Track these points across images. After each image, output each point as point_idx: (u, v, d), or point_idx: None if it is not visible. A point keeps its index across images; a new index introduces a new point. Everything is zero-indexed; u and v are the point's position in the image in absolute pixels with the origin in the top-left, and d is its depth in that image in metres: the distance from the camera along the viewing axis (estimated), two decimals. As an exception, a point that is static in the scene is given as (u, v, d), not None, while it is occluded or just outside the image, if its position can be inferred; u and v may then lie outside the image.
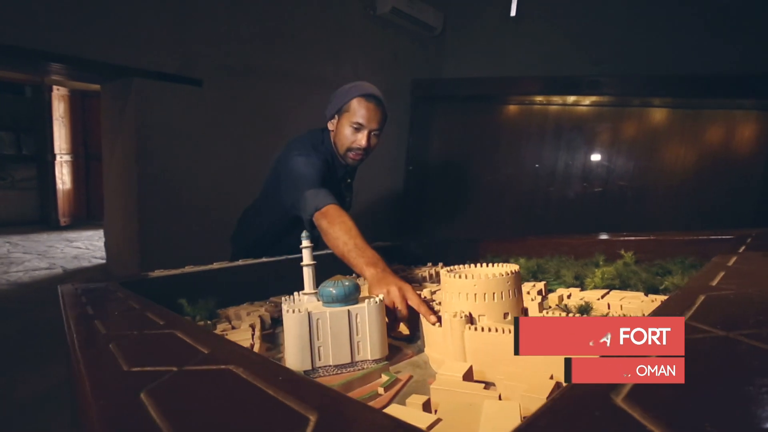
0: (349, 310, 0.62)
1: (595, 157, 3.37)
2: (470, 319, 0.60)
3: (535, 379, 0.49)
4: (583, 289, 0.93)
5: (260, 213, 1.61)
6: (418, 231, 3.91)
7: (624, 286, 0.89)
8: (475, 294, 0.61)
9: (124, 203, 2.80)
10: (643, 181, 3.20)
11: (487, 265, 0.71)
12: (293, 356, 0.60)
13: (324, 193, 1.16)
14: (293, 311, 0.60)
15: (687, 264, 0.95)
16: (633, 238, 1.07)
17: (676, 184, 3.10)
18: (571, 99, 3.36)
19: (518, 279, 0.65)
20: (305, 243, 0.75)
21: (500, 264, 0.72)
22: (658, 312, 0.43)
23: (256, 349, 0.68)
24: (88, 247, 4.41)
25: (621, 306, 0.74)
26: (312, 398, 0.25)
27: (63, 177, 5.47)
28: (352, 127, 1.32)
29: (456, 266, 0.72)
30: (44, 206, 5.56)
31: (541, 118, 3.56)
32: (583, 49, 3.40)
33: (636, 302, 0.75)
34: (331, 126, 1.39)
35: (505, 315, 0.62)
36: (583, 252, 1.10)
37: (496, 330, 0.55)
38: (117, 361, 0.37)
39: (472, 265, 0.72)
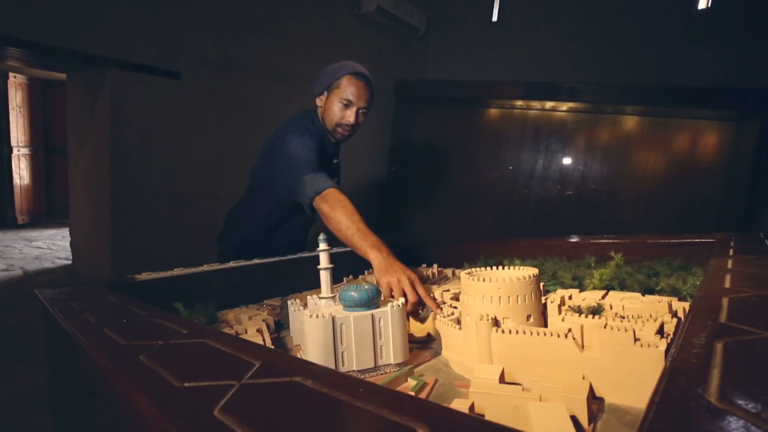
0: (372, 314, 0.62)
1: (572, 162, 3.49)
2: (495, 322, 0.61)
3: (568, 379, 0.49)
4: (582, 290, 0.96)
5: (252, 207, 1.56)
6: (400, 230, 3.92)
7: (621, 287, 0.92)
8: (500, 297, 0.61)
9: (94, 201, 2.65)
10: (616, 185, 3.35)
11: (505, 268, 0.72)
12: (316, 361, 0.59)
13: (323, 177, 1.17)
14: (316, 316, 0.59)
15: (674, 266, 0.99)
16: (621, 241, 1.11)
17: (647, 189, 3.26)
18: (550, 104, 3.47)
19: (538, 282, 0.66)
20: (322, 246, 0.73)
21: (519, 267, 0.73)
22: (694, 314, 0.45)
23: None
24: (50, 246, 4.15)
25: (623, 306, 0.77)
26: (413, 411, 0.24)
27: (20, 171, 5.11)
28: (342, 104, 1.35)
29: (474, 269, 0.72)
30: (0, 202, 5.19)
31: (521, 122, 3.65)
32: (562, 55, 3.51)
33: (636, 302, 0.77)
34: (319, 102, 1.41)
35: (528, 317, 0.62)
36: (574, 254, 1.14)
37: (524, 332, 0.55)
38: (162, 376, 0.34)
39: (490, 268, 0.72)
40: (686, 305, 0.71)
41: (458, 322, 0.70)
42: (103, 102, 2.40)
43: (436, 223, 3.85)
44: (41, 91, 5.26)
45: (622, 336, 0.49)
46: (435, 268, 1.27)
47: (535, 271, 0.66)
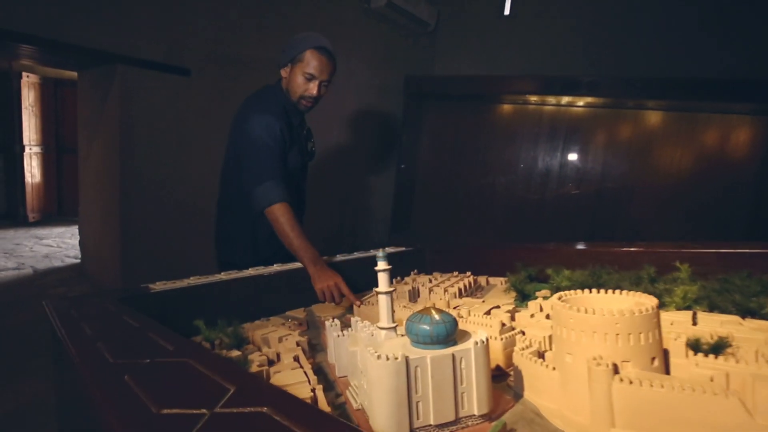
0: (453, 354, 0.50)
1: (590, 159, 3.38)
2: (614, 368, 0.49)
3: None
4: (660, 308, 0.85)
5: (235, 203, 1.54)
6: (409, 231, 3.85)
7: (711, 308, 0.78)
8: (617, 334, 0.48)
9: (103, 199, 2.63)
10: (638, 184, 3.23)
11: (606, 292, 0.59)
12: (385, 417, 0.48)
13: (275, 189, 1.28)
14: (386, 358, 0.48)
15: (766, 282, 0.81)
16: (686, 250, 1.01)
17: (672, 188, 3.13)
18: (566, 100, 3.37)
19: (659, 314, 0.54)
20: (382, 265, 0.63)
21: (624, 292, 0.58)
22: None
23: (322, 403, 0.55)
24: (59, 245, 4.16)
25: (729, 335, 0.59)
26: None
27: (32, 170, 5.14)
28: (305, 77, 1.40)
29: (567, 292, 0.59)
30: (11, 201, 5.22)
31: (535, 118, 3.55)
32: (577, 49, 3.41)
33: (745, 330, 0.63)
34: (284, 73, 1.46)
35: (653, 360, 0.50)
36: (628, 263, 1.03)
37: (662, 385, 0.43)
38: (142, 401, 0.35)
39: (584, 292, 0.60)
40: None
41: (541, 356, 0.58)
42: (113, 99, 2.37)
43: (446, 223, 3.77)
44: (53, 91, 5.28)
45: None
46: (470, 277, 1.20)
47: (655, 301, 0.53)
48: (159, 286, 0.97)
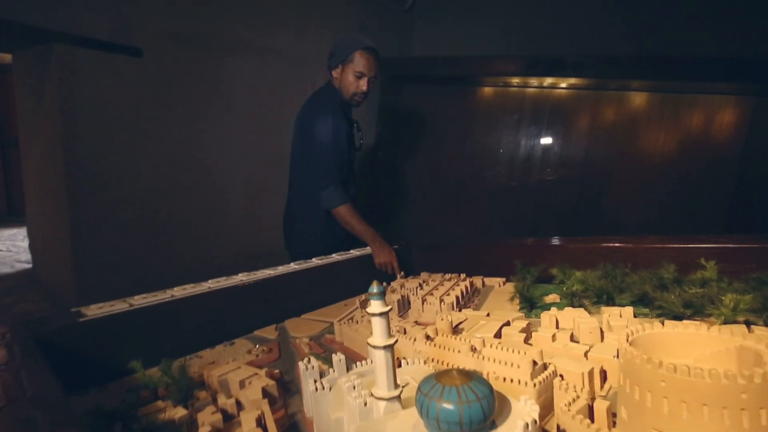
0: None
1: (573, 143, 3.30)
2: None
3: None
4: (689, 318, 0.71)
5: (304, 196, 1.74)
6: (389, 223, 3.70)
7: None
8: (742, 409, 0.33)
9: (49, 198, 2.34)
10: (622, 167, 3.18)
11: (686, 328, 0.45)
12: None
13: (339, 194, 1.58)
14: None
15: None
16: (709, 245, 0.89)
17: (656, 170, 3.10)
18: (548, 81, 3.25)
19: None
20: (376, 307, 0.47)
21: (709, 326, 0.44)
22: None
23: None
24: (9, 248, 3.79)
25: None
26: None
27: (-26, 166, 4.68)
28: (355, 76, 1.63)
29: (636, 329, 0.44)
30: (-48, 201, 4.75)
31: (518, 101, 3.43)
32: (560, 28, 3.29)
33: None
34: (335, 74, 1.69)
35: None
36: (644, 260, 0.91)
37: None
38: None
39: (653, 325, 0.45)
40: None
41: (590, 411, 0.45)
42: (51, 84, 2.07)
43: (427, 214, 3.63)
44: (-7, 77, 4.79)
45: None
46: (466, 281, 1.06)
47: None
48: (93, 310, 0.78)
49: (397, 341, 0.46)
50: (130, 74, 2.18)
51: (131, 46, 2.18)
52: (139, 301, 0.78)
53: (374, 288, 0.46)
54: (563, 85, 3.26)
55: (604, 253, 1.01)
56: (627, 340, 0.45)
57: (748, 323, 0.70)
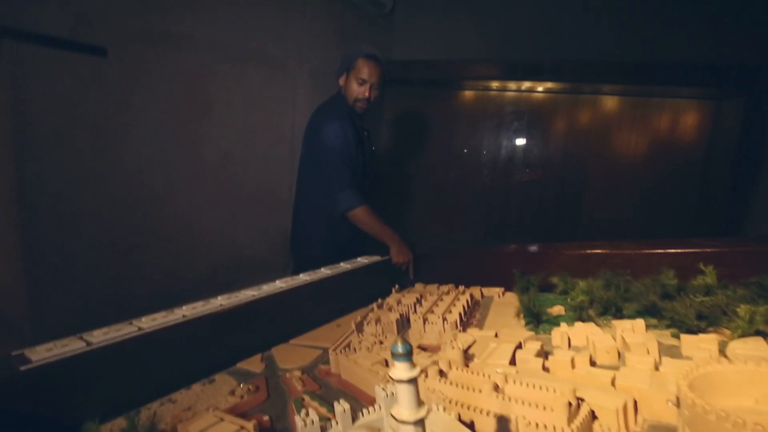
0: None
1: (551, 146, 3.33)
2: None
3: None
4: (700, 331, 0.67)
5: (312, 202, 1.78)
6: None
7: None
8: None
9: (0, 211, 2.13)
10: (597, 169, 3.25)
11: (746, 363, 0.40)
12: None
13: (355, 196, 1.62)
14: None
15: None
16: (707, 249, 0.87)
17: (628, 171, 3.19)
18: (527, 85, 3.28)
19: None
20: (402, 371, 0.38)
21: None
22: None
23: None
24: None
25: None
26: None
27: None
28: (358, 82, 1.71)
29: (693, 368, 0.39)
30: None
31: (498, 105, 3.44)
32: (537, 33, 3.32)
33: None
34: (342, 82, 1.79)
35: None
36: (643, 266, 0.89)
37: None
38: None
39: (711, 360, 0.41)
40: None
41: None
42: (1, 86, 1.88)
43: (409, 218, 3.58)
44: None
45: None
46: (466, 294, 0.99)
47: None
48: (41, 354, 0.65)
49: (429, 411, 0.37)
50: (93, 76, 2.02)
51: (94, 45, 2.02)
52: (99, 337, 0.66)
53: (399, 347, 0.37)
54: (540, 89, 3.29)
55: (601, 260, 0.98)
56: (685, 381, 0.39)
57: (759, 333, 0.67)
